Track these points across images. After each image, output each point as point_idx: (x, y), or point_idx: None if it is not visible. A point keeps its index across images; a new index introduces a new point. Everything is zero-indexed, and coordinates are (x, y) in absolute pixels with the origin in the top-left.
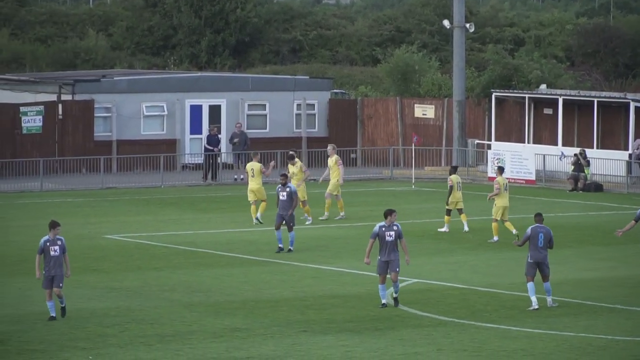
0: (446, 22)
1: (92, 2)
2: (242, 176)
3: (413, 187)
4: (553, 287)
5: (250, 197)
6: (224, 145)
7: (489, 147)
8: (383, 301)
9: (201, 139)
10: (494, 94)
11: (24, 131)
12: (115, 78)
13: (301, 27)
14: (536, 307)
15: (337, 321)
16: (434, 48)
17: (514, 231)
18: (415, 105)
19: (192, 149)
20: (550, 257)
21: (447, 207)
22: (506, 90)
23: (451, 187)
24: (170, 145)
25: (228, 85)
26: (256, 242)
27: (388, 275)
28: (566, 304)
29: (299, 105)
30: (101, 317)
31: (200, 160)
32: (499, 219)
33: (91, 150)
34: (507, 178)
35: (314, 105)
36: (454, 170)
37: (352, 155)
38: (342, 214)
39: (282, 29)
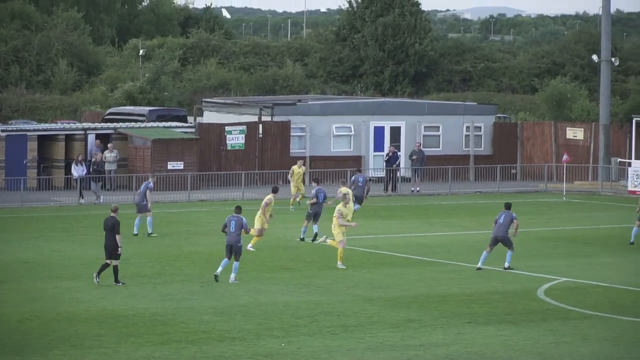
0: (595, 57)
1: (290, 36)
2: (417, 188)
3: (564, 198)
4: None
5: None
6: (402, 161)
7: (630, 164)
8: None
9: (383, 155)
10: (634, 118)
11: (229, 147)
12: (309, 102)
13: (471, 60)
14: None
15: (498, 314)
16: (584, 79)
17: None
18: (567, 128)
19: (375, 165)
20: None
21: None
22: None
23: None
24: (356, 161)
25: (407, 109)
26: (429, 245)
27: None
28: None
29: (467, 128)
30: (294, 309)
31: (382, 174)
32: None
33: (288, 165)
34: None
35: (480, 127)
36: None
37: (513, 171)
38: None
39: (454, 61)
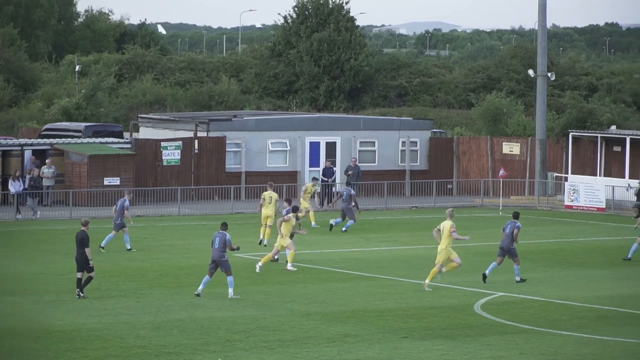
0: (531, 72)
1: (225, 52)
2: (353, 203)
3: (500, 213)
4: (621, 300)
5: (265, 221)
6: (338, 176)
7: (566, 179)
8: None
9: (319, 171)
10: (570, 133)
11: (165, 163)
12: (244, 118)
13: (406, 75)
14: None
15: (434, 329)
16: (520, 94)
17: None
18: (503, 143)
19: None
20: (618, 274)
21: None
22: (581, 131)
23: None
24: (291, 176)
25: (343, 124)
26: (365, 260)
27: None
28: (632, 315)
29: (403, 143)
30: (230, 324)
31: (317, 189)
32: None
33: (223, 180)
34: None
35: (416, 142)
36: None
37: (449, 186)
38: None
39: (390, 76)
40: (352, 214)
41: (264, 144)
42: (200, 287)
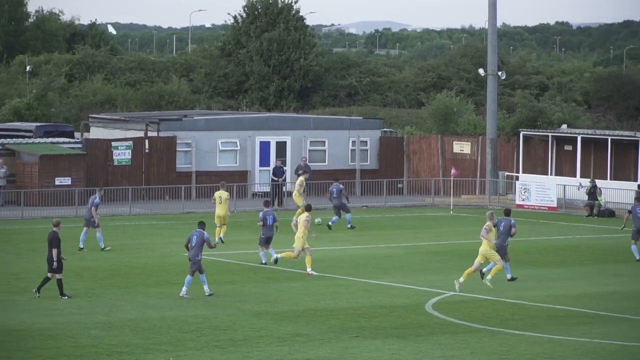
0: (481, 71)
1: (175, 52)
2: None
3: (451, 212)
4: (572, 299)
5: (217, 221)
6: (289, 176)
7: (517, 178)
8: None
9: (269, 170)
10: (521, 132)
11: (116, 163)
12: (195, 118)
13: (356, 74)
14: None
15: (385, 328)
16: (470, 93)
17: None
18: (454, 142)
19: (261, 180)
20: (569, 274)
21: None
22: (532, 130)
23: None
24: (242, 176)
25: (293, 124)
26: (315, 259)
27: None
28: (583, 314)
29: (353, 142)
30: (181, 324)
31: (267, 189)
32: None
33: (173, 180)
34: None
35: (366, 142)
36: None
37: (399, 185)
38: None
39: (339, 76)
40: (347, 207)
41: (214, 144)
42: (184, 288)
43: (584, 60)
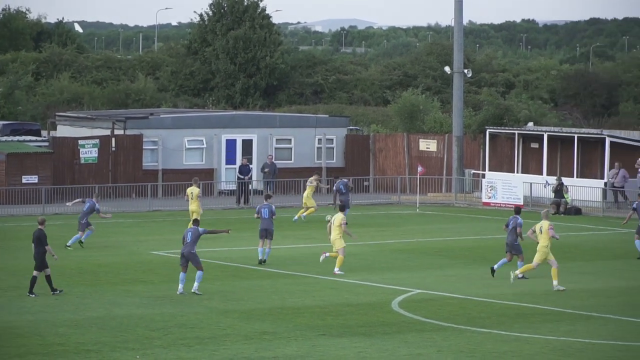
0: (447, 68)
1: (142, 50)
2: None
3: (417, 210)
4: (539, 297)
5: (191, 217)
6: (255, 173)
7: (484, 176)
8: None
9: (235, 168)
10: (488, 130)
11: (82, 161)
12: (161, 116)
13: (322, 72)
14: None
15: (352, 326)
16: (436, 90)
17: None
18: (420, 140)
19: (227, 177)
20: (538, 272)
21: None
22: (498, 127)
23: None
24: (208, 174)
25: (259, 122)
26: (282, 257)
27: None
28: (550, 312)
29: (319, 140)
30: (148, 322)
31: (234, 187)
32: None
33: (140, 178)
34: (498, 203)
35: (332, 140)
36: None
37: (366, 183)
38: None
39: (305, 74)
40: (349, 203)
41: (181, 142)
42: (180, 285)
43: (551, 58)
